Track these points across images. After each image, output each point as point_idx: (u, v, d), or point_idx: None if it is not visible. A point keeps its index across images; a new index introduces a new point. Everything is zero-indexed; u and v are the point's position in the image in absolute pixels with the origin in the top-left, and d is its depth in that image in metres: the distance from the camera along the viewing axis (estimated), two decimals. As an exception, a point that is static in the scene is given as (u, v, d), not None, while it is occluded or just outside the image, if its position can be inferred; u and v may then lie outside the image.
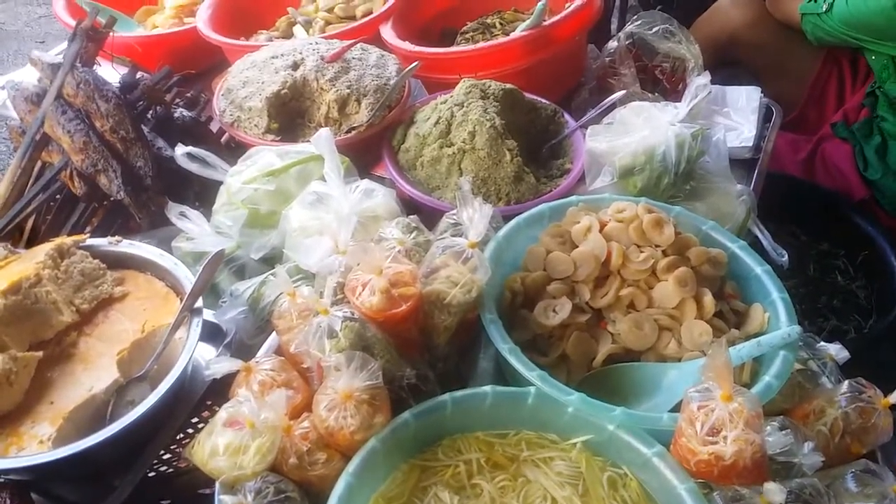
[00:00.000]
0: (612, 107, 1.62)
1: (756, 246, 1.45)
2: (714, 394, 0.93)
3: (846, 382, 1.10)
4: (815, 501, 0.95)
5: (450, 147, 1.55)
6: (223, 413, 1.02)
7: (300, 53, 1.75)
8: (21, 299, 1.17)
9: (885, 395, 1.06)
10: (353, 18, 2.19)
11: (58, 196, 1.60)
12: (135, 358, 1.19)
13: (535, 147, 1.69)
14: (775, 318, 1.17)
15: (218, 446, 1.00)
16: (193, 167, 1.46)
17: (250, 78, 1.71)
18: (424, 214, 1.41)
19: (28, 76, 1.81)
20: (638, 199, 1.30)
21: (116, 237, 1.34)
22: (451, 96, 1.63)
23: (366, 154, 1.66)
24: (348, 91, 1.66)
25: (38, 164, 1.59)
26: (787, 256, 1.51)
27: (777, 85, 2.35)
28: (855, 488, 1.00)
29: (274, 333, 1.21)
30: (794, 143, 2.31)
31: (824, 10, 2.08)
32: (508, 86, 1.66)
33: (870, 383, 1.09)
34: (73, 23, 1.66)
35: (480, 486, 1.02)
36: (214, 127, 1.77)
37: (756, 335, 1.16)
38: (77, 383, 1.15)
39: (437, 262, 1.17)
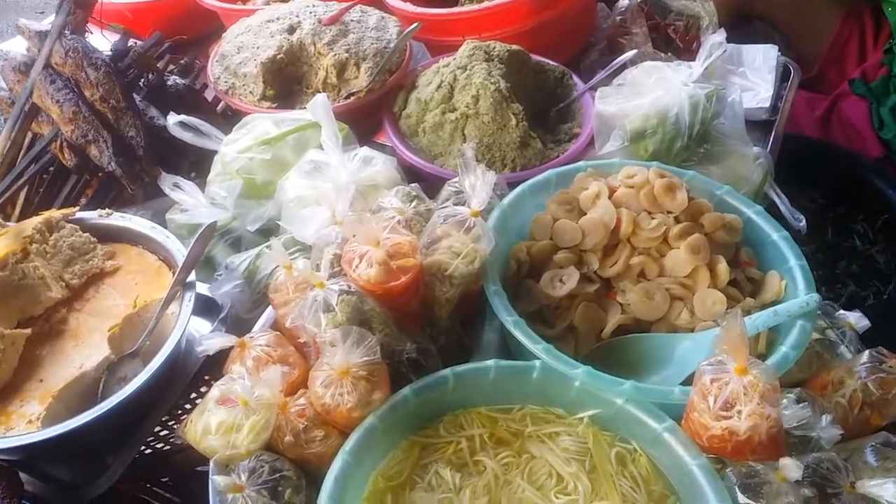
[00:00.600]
0: (623, 67, 1.55)
1: (773, 211, 1.39)
2: (728, 366, 0.89)
3: (866, 352, 1.05)
4: (833, 477, 0.91)
5: (452, 112, 1.49)
6: (215, 391, 0.99)
7: (296, 16, 1.68)
8: (8, 275, 1.14)
9: (908, 366, 1.01)
10: (352, -21, 2.11)
11: (51, 168, 1.56)
12: (126, 334, 1.16)
13: (541, 111, 1.63)
14: (793, 286, 1.11)
15: (210, 425, 0.97)
16: (186, 136, 1.42)
17: (245, 43, 1.65)
18: (427, 183, 1.37)
19: (18, 46, 1.76)
20: (649, 163, 1.25)
21: (107, 210, 1.30)
22: (454, 59, 1.56)
23: (366, 121, 1.61)
24: (347, 55, 1.60)
25: (29, 135, 1.55)
26: (804, 221, 1.45)
27: (795, 43, 2.27)
28: (875, 462, 0.96)
29: (270, 307, 1.17)
30: (811, 100, 2.24)
31: None
32: (514, 47, 1.59)
33: (891, 353, 1.05)
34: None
35: (483, 464, 0.98)
36: (210, 95, 1.72)
37: (773, 304, 1.11)
38: (67, 361, 1.12)
39: (439, 232, 1.12)
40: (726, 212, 1.19)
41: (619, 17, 1.81)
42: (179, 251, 1.22)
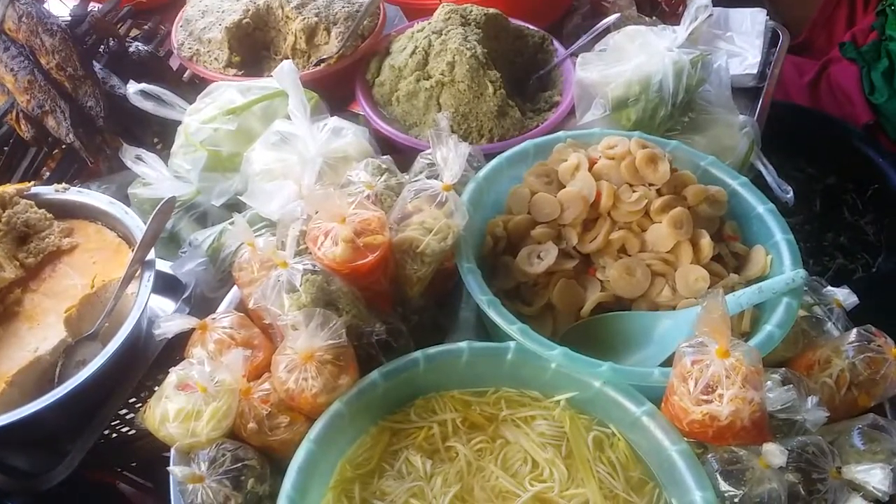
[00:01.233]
0: (606, 32, 1.48)
1: (759, 182, 1.34)
2: (709, 348, 0.85)
3: (854, 331, 1.01)
4: (818, 461, 0.88)
5: (427, 80, 1.42)
6: (173, 376, 0.94)
7: (264, -23, 1.60)
8: (-44, 255, 1.08)
9: (896, 344, 0.98)
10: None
11: (11, 140, 1.49)
12: (84, 315, 1.11)
13: (520, 78, 1.57)
14: (779, 262, 1.07)
15: (168, 412, 0.92)
16: (148, 106, 1.35)
17: (210, 6, 1.57)
18: (401, 154, 1.31)
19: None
20: (631, 133, 1.20)
21: (63, 184, 1.24)
22: (429, 23, 1.49)
23: (338, 89, 1.54)
24: (316, 19, 1.52)
25: (-16, 106, 1.48)
26: (792, 193, 1.40)
27: (783, 7, 2.20)
28: (862, 445, 0.93)
29: (236, 287, 1.12)
30: (799, 65, 2.19)
31: None
32: (492, 10, 1.53)
33: (880, 331, 1.01)
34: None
35: (455, 449, 0.95)
36: (175, 63, 1.64)
37: (758, 280, 1.08)
38: (21, 344, 1.07)
39: (410, 208, 1.07)
40: (710, 184, 1.15)
41: (602, -21, 1.74)
42: (139, 228, 1.16)
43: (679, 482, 0.86)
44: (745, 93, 1.58)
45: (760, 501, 0.82)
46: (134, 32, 1.62)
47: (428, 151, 1.19)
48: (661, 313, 1.06)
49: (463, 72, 1.39)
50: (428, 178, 1.14)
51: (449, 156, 1.05)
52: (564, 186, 1.14)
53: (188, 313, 1.17)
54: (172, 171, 1.32)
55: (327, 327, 0.91)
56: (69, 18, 1.54)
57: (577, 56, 1.45)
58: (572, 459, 0.94)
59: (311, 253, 1.01)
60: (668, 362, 0.96)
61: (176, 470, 0.88)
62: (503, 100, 1.41)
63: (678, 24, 1.37)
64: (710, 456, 0.87)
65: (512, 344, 0.98)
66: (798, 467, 0.87)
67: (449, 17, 1.46)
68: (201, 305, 1.19)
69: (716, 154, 1.22)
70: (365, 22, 1.55)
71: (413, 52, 1.45)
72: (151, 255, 1.13)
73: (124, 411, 1.19)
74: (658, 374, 0.93)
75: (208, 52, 1.53)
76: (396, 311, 1.07)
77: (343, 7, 1.55)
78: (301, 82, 1.24)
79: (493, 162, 1.19)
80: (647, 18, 1.65)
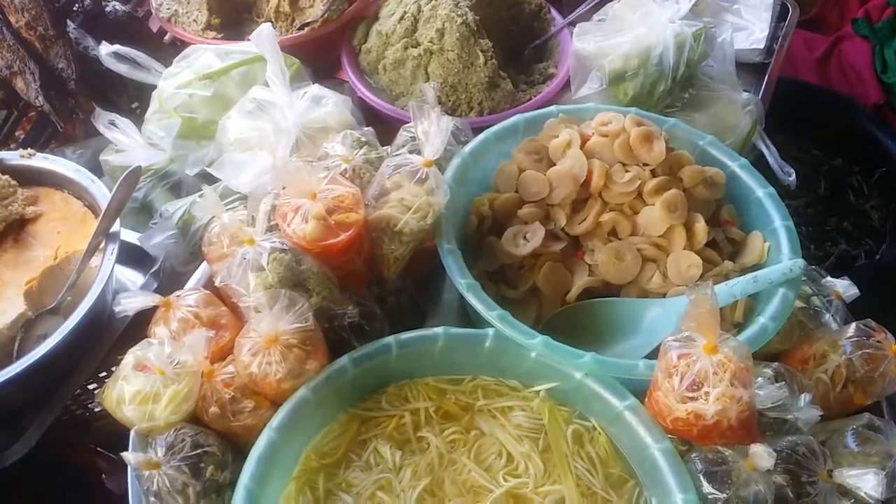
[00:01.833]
0: (607, 0, 1.41)
1: (760, 163, 1.28)
2: (697, 342, 0.80)
3: (853, 325, 0.96)
4: (808, 463, 0.83)
5: (415, 48, 1.35)
6: (130, 356, 0.89)
7: (247, -66, 1.52)
8: (-89, 222, 1.02)
9: (897, 340, 0.93)
10: None
11: (-19, 102, 1.43)
12: (46, 288, 1.05)
13: (515, 48, 1.49)
14: (776, 249, 1.02)
15: (124, 394, 0.87)
16: (122, 69, 1.29)
17: (189, -36, 1.49)
18: (387, 126, 1.25)
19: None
20: (627, 109, 1.13)
21: (28, 150, 1.18)
22: (420, -13, 1.42)
23: (323, 55, 1.47)
24: (301, -21, 1.45)
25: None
26: (794, 176, 1.34)
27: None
28: (855, 447, 0.88)
29: (205, 262, 1.07)
30: (809, 41, 2.11)
31: None
32: (486, -25, 1.45)
33: (880, 326, 0.96)
34: None
35: (427, 440, 0.90)
36: (155, 25, 1.57)
37: (754, 268, 1.02)
38: (-22, 317, 1.02)
39: (388, 184, 1.02)
40: (709, 164, 1.09)
41: (606, -55, 1.65)
42: (105, 197, 1.10)
43: (660, 482, 0.82)
44: (750, 69, 1.51)
45: (745, 505, 0.78)
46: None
47: (411, 124, 1.13)
48: (649, 301, 1.01)
49: (453, 40, 1.32)
50: (411, 152, 1.08)
51: (431, 129, 0.99)
52: (554, 164, 1.08)
53: (156, 289, 1.13)
54: (146, 137, 1.26)
55: (293, 310, 0.86)
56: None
57: (575, 26, 1.38)
58: (549, 454, 0.89)
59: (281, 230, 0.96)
60: (655, 353, 0.90)
61: (129, 456, 0.83)
62: (494, 70, 1.34)
63: (682, -7, 1.30)
64: (694, 455, 0.83)
65: (491, 331, 0.93)
66: (787, 469, 0.82)
67: (440, -19, 1.39)
68: (172, 280, 1.14)
69: (716, 133, 1.15)
70: (353, -16, 1.47)
71: (402, 18, 1.37)
72: (116, 226, 1.07)
73: (93, 386, 1.15)
74: (643, 366, 0.88)
75: (187, 13, 1.46)
76: (372, 292, 1.02)
77: (330, -32, 1.47)
78: (284, 47, 1.17)
79: (481, 137, 1.13)
80: (650, -14, 1.58)
